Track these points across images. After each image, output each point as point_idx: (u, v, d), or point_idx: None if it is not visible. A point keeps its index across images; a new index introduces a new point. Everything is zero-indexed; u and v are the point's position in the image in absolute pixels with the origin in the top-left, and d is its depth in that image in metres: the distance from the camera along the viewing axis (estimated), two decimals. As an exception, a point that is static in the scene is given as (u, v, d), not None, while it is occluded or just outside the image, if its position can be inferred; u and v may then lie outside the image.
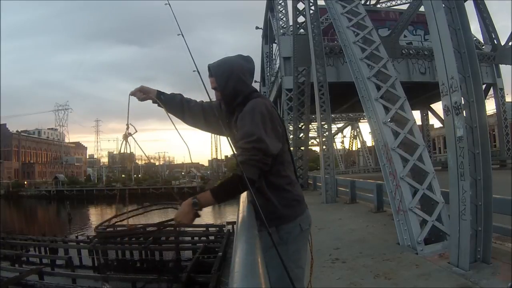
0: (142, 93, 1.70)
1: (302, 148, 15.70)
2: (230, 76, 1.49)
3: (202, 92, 1.62)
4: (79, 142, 77.79)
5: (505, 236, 4.27)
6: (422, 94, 21.80)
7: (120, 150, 1.77)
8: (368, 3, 22.11)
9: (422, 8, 12.09)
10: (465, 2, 9.50)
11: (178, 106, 1.70)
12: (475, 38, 18.39)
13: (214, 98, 1.62)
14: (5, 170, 52.28)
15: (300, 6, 14.15)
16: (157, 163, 76.15)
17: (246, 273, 0.72)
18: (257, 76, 30.20)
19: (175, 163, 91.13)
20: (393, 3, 23.03)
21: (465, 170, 3.50)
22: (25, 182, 50.92)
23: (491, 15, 20.91)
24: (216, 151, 66.06)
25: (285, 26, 19.27)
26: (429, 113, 28.34)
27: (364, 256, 4.34)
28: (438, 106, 27.25)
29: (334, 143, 27.54)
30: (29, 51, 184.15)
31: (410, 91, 12.67)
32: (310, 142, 18.08)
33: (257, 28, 26.04)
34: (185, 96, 1.77)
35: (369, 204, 8.46)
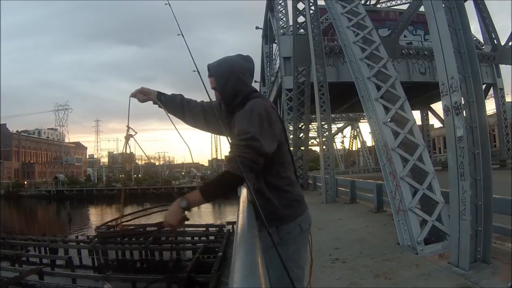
0: (143, 95, 1.70)
1: (302, 148, 15.69)
2: (230, 76, 1.49)
3: (202, 92, 1.62)
4: (79, 142, 77.88)
5: (505, 236, 4.27)
6: (422, 94, 21.80)
7: (123, 150, 1.77)
8: (368, 3, 22.12)
9: (422, 8, 12.09)
10: (465, 2, 9.50)
11: (178, 107, 1.70)
12: (475, 38, 18.39)
13: (214, 98, 1.62)
14: (5, 170, 52.29)
15: (300, 6, 14.15)
16: (157, 163, 76.16)
17: (246, 273, 0.72)
18: (257, 76, 30.21)
19: (175, 163, 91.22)
20: (393, 3, 23.04)
21: (465, 170, 3.50)
22: (25, 182, 50.93)
23: (491, 15, 20.93)
24: (216, 151, 66.10)
25: (285, 26, 19.27)
26: (429, 113, 28.35)
27: (364, 256, 4.33)
28: (438, 106, 27.30)
29: (334, 143, 27.58)
30: (29, 51, 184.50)
31: (410, 91, 12.67)
32: (310, 142, 18.08)
33: (257, 28, 26.05)
34: (185, 96, 1.77)
35: (369, 204, 8.46)
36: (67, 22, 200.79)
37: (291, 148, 13.09)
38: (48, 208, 35.90)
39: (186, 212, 1.34)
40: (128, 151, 1.82)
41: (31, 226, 22.25)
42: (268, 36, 25.63)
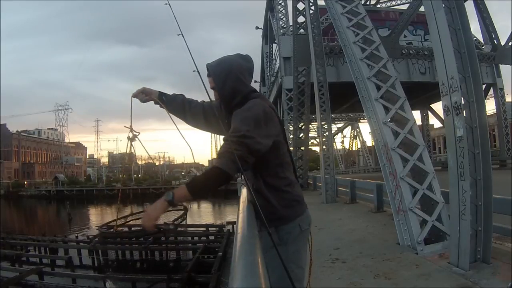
0: (144, 95, 1.70)
1: (302, 148, 15.69)
2: (228, 76, 1.48)
3: (202, 92, 1.63)
4: (79, 142, 77.87)
5: (505, 236, 4.27)
6: (422, 94, 21.79)
7: (126, 151, 1.77)
8: (368, 3, 22.11)
9: (422, 8, 12.09)
10: (465, 2, 9.50)
11: (179, 107, 1.70)
12: (475, 38, 18.40)
13: (214, 98, 1.62)
14: (5, 170, 52.29)
15: (300, 6, 14.15)
16: (157, 163, 76.20)
17: (246, 273, 0.72)
18: (257, 76, 30.21)
19: (175, 163, 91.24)
20: (393, 3, 23.03)
21: (465, 170, 3.50)
22: (25, 182, 50.93)
23: (491, 15, 20.91)
24: (216, 151, 66.00)
25: (285, 26, 19.27)
26: (429, 113, 28.33)
27: (364, 256, 4.33)
28: (438, 106, 27.29)
29: (334, 143, 27.57)
30: (29, 51, 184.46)
31: (410, 91, 12.69)
32: (310, 142, 18.07)
33: (257, 28, 26.06)
34: (185, 96, 1.77)
35: (369, 204, 8.46)
36: (67, 22, 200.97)
37: (291, 148, 13.08)
38: (48, 208, 35.91)
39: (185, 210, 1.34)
40: (133, 152, 1.82)
41: (31, 226, 22.26)
42: (268, 36, 25.63)
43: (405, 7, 19.45)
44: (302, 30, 14.20)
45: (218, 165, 1.29)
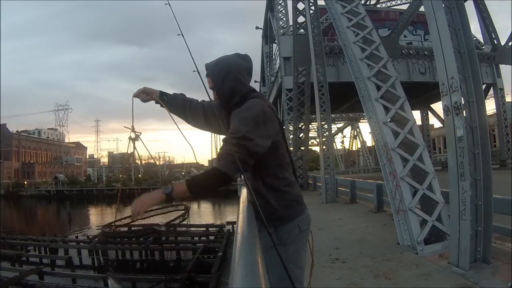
0: (145, 95, 1.70)
1: (302, 148, 15.70)
2: (227, 76, 1.48)
3: (202, 92, 1.63)
4: (79, 142, 77.86)
5: (505, 236, 4.27)
6: (422, 94, 21.79)
7: (127, 151, 1.77)
8: (368, 3, 22.12)
9: (422, 8, 12.09)
10: (465, 2, 9.51)
11: (180, 107, 1.70)
12: (475, 38, 18.40)
13: (213, 98, 1.63)
14: (5, 170, 52.29)
15: (300, 6, 14.16)
16: (157, 163, 76.18)
17: (246, 273, 0.72)
18: (257, 76, 30.23)
19: (175, 163, 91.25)
20: (393, 3, 23.04)
21: (465, 170, 3.50)
22: (25, 182, 50.93)
23: (491, 15, 20.92)
24: (216, 151, 66.03)
25: (285, 26, 19.28)
26: (429, 113, 28.34)
27: (364, 256, 4.34)
28: (438, 106, 27.30)
29: (334, 143, 27.56)
30: (29, 51, 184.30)
31: (410, 91, 12.67)
32: (310, 142, 18.08)
33: (257, 28, 26.08)
34: (186, 96, 1.77)
35: (369, 204, 8.46)
36: (67, 22, 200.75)
37: (291, 148, 13.06)
38: (48, 208, 35.90)
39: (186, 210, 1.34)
40: (135, 152, 1.82)
41: (31, 226, 22.25)
42: (268, 36, 25.64)
43: (405, 7, 19.47)
44: (302, 30, 14.20)
45: (218, 166, 1.29)
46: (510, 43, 19.87)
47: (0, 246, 11.67)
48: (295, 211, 1.52)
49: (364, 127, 46.64)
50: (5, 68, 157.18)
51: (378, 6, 22.95)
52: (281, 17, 19.64)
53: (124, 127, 1.73)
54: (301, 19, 14.35)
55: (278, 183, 1.48)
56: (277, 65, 21.66)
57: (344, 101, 23.42)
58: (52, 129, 69.61)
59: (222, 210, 24.78)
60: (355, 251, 4.57)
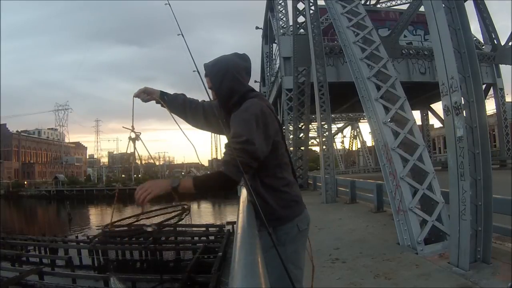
0: (146, 94, 1.70)
1: (302, 148, 15.70)
2: (225, 75, 1.48)
3: (202, 92, 1.63)
4: (79, 142, 77.83)
5: (505, 236, 4.27)
6: (422, 94, 21.79)
7: (133, 151, 1.77)
8: (368, 3, 22.11)
9: (422, 8, 12.09)
10: (465, 2, 9.50)
11: (180, 107, 1.71)
12: (475, 38, 18.40)
13: (212, 98, 1.63)
14: (5, 170, 52.28)
15: (300, 6, 14.16)
16: (157, 163, 76.18)
17: (246, 273, 0.72)
18: (257, 76, 30.22)
19: (175, 163, 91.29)
20: (393, 3, 23.03)
21: (465, 170, 3.50)
22: (25, 182, 50.93)
23: (491, 15, 20.91)
24: (216, 151, 66.15)
25: (285, 26, 19.27)
26: (429, 113, 28.34)
27: (364, 256, 4.33)
28: (438, 106, 27.30)
29: (334, 143, 27.56)
30: (29, 51, 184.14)
31: (410, 91, 12.68)
32: (310, 142, 18.08)
33: (257, 28, 26.06)
34: (186, 96, 1.77)
35: (369, 204, 8.46)
36: (67, 22, 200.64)
37: (291, 148, 13.07)
38: (48, 208, 35.91)
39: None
40: (135, 152, 1.82)
41: (31, 226, 22.25)
42: (268, 36, 25.63)
43: (405, 7, 19.46)
44: (302, 30, 14.20)
45: (225, 171, 1.31)
46: (510, 43, 19.87)
47: (0, 246, 11.67)
48: (294, 211, 1.51)
49: (364, 127, 46.70)
50: (5, 68, 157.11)
51: (378, 6, 22.94)
52: (281, 17, 19.63)
53: (123, 127, 1.73)
54: (301, 19, 14.35)
55: (277, 183, 1.48)
56: (277, 65, 21.67)
57: (344, 101, 23.42)
58: (52, 129, 69.61)
59: (222, 210, 24.79)
60: (355, 251, 4.57)
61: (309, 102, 14.50)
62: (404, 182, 4.85)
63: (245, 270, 0.74)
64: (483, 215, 3.55)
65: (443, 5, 3.78)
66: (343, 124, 45.95)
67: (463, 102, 3.63)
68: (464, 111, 3.63)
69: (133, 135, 1.74)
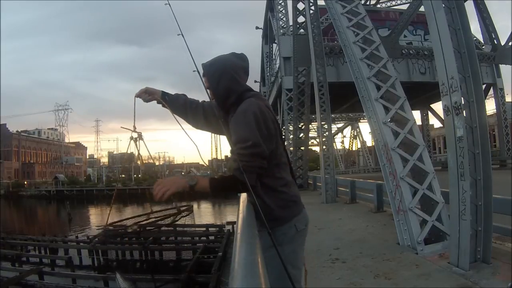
0: (147, 95, 1.71)
1: (302, 148, 15.69)
2: (222, 75, 1.48)
3: (202, 92, 1.63)
4: (79, 142, 77.88)
5: (505, 236, 4.27)
6: (422, 94, 21.80)
7: (138, 151, 1.78)
8: (368, 3, 22.12)
9: (422, 8, 12.09)
10: (465, 2, 9.51)
11: (181, 107, 1.71)
12: (475, 38, 18.40)
13: (210, 98, 1.63)
14: (5, 170, 52.29)
15: (300, 6, 14.16)
16: (157, 163, 76.14)
17: (246, 273, 0.72)
18: (257, 76, 30.22)
19: (175, 163, 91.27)
20: (393, 3, 23.03)
21: (465, 170, 3.50)
22: (25, 182, 50.93)
23: (491, 15, 20.91)
24: (216, 151, 66.19)
25: (285, 26, 19.27)
26: (429, 113, 28.34)
27: (364, 256, 4.33)
28: (438, 106, 27.30)
29: (334, 143, 27.57)
30: (29, 51, 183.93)
31: (410, 91, 12.69)
32: (310, 142, 18.08)
33: (257, 28, 26.07)
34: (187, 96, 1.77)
35: (369, 204, 8.46)
36: (67, 22, 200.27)
37: (291, 148, 13.04)
38: (48, 208, 35.91)
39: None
40: (139, 152, 1.83)
41: (31, 226, 22.25)
42: (268, 36, 25.63)
43: (405, 7, 19.46)
44: (302, 30, 14.20)
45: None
46: (510, 43, 19.87)
47: (0, 246, 11.67)
48: (292, 211, 1.51)
49: (364, 127, 46.71)
50: (5, 68, 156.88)
51: (378, 6, 22.95)
52: (281, 17, 19.63)
53: (121, 127, 1.73)
54: (301, 19, 14.34)
55: (275, 183, 1.47)
56: (277, 65, 21.66)
57: (344, 101, 23.43)
58: (52, 129, 69.65)
59: (222, 210, 24.79)
60: (355, 251, 4.57)
61: (309, 102, 14.50)
62: (404, 182, 4.85)
63: (245, 270, 0.74)
64: (483, 215, 3.55)
65: (443, 5, 3.78)
66: (343, 124, 45.96)
67: (463, 102, 3.63)
68: (464, 111, 3.63)
69: (135, 135, 1.74)
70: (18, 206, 37.39)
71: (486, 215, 3.55)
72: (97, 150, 74.63)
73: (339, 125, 45.53)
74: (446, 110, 3.74)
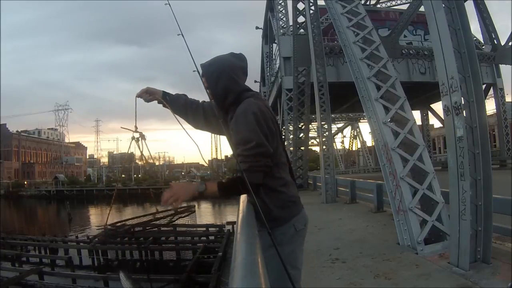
0: (148, 95, 1.71)
1: (302, 148, 15.70)
2: (221, 75, 1.48)
3: (202, 92, 1.63)
4: (79, 142, 77.89)
5: (505, 236, 4.27)
6: (422, 94, 21.80)
7: (141, 151, 1.77)
8: (368, 3, 22.12)
9: (422, 8, 12.09)
10: (465, 2, 9.51)
11: (182, 107, 1.71)
12: (475, 38, 18.39)
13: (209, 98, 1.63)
14: (5, 170, 52.29)
15: (300, 6, 14.16)
16: (157, 163, 76.15)
17: (246, 273, 0.72)
18: (257, 76, 30.22)
19: (175, 163, 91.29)
20: (393, 3, 23.05)
21: (465, 170, 3.50)
22: (25, 182, 50.92)
23: (491, 15, 20.92)
24: (216, 151, 66.20)
25: (285, 26, 19.28)
26: (429, 113, 28.35)
27: (364, 256, 4.33)
28: (438, 106, 27.31)
29: (334, 143, 27.56)
30: (29, 51, 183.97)
31: (410, 91, 12.68)
32: (310, 142, 18.08)
33: (257, 28, 26.09)
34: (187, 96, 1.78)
35: (369, 204, 8.46)
36: (67, 22, 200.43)
37: (291, 148, 13.04)
38: (48, 208, 35.89)
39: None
40: (142, 152, 1.82)
41: (31, 226, 22.24)
42: (268, 36, 25.63)
43: (405, 7, 19.47)
44: (302, 30, 14.20)
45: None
46: (510, 43, 19.87)
47: (0, 246, 11.66)
48: (291, 211, 1.51)
49: (364, 127, 46.72)
50: (5, 68, 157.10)
51: (378, 6, 22.95)
52: (281, 17, 19.64)
53: (121, 127, 1.73)
54: (301, 19, 14.35)
55: (274, 183, 1.47)
56: (277, 65, 21.66)
57: (344, 101, 23.43)
58: (52, 129, 69.65)
59: (222, 210, 24.78)
60: (355, 251, 4.57)
61: (309, 102, 14.51)
62: (404, 182, 4.85)
63: (245, 270, 0.74)
64: (483, 215, 3.55)
65: (443, 5, 3.78)
66: (343, 124, 45.97)
67: (463, 102, 3.63)
68: (464, 111, 3.63)
69: (136, 135, 1.74)
70: (18, 206, 37.38)
71: (486, 215, 3.55)
72: (97, 150, 74.73)
73: (339, 125, 45.55)
74: (446, 110, 3.74)
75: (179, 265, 9.96)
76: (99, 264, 10.74)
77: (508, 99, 23.42)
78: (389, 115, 5.40)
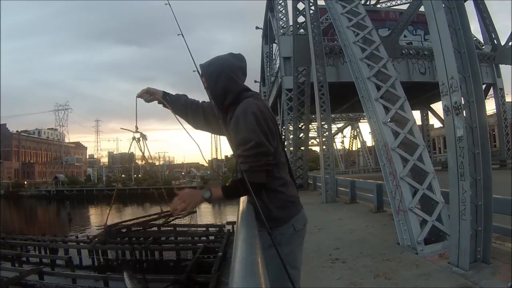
0: (149, 95, 1.71)
1: (302, 148, 15.69)
2: (220, 75, 1.49)
3: (202, 92, 1.63)
4: (79, 142, 77.93)
5: (505, 236, 4.27)
6: (422, 94, 21.79)
7: (143, 151, 1.78)
8: (368, 3, 22.11)
9: (422, 8, 12.09)
10: (465, 2, 9.51)
11: (182, 107, 1.71)
12: (475, 38, 18.39)
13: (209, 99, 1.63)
14: (5, 170, 52.29)
15: (300, 6, 14.16)
16: (157, 163, 76.12)
17: (246, 273, 0.72)
18: (257, 76, 30.19)
19: (175, 163, 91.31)
20: (393, 3, 23.03)
21: (465, 170, 3.50)
22: (25, 182, 50.95)
23: (491, 15, 20.90)
24: (216, 151, 66.16)
25: (285, 26, 19.26)
26: (429, 113, 28.34)
27: (364, 256, 4.33)
28: (438, 106, 27.30)
29: (334, 143, 27.55)
30: (29, 51, 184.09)
31: (410, 91, 12.68)
32: (310, 142, 18.07)
33: (257, 28, 26.07)
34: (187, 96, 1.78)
35: (369, 204, 8.46)
36: (67, 22, 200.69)
37: (291, 148, 13.03)
38: (48, 208, 35.90)
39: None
40: (144, 153, 1.82)
41: (31, 226, 22.24)
42: (268, 36, 25.62)
43: (405, 7, 19.45)
44: (302, 30, 14.20)
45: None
46: (510, 43, 19.85)
47: (0, 246, 11.66)
48: (291, 211, 1.51)
49: (364, 127, 46.70)
50: (5, 68, 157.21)
51: (378, 6, 22.94)
52: (281, 17, 19.62)
53: (121, 128, 1.74)
54: (301, 19, 14.34)
55: (273, 183, 1.47)
56: (277, 65, 21.65)
57: (344, 101, 23.42)
58: (52, 129, 69.67)
59: (222, 210, 24.77)
60: (355, 251, 4.57)
61: (309, 102, 14.50)
62: (404, 182, 4.85)
63: (245, 270, 0.74)
64: (483, 215, 3.55)
65: (443, 5, 3.78)
66: (343, 124, 45.95)
67: (463, 102, 3.63)
68: (464, 111, 3.63)
69: (137, 135, 1.75)
70: (18, 206, 37.39)
71: (486, 215, 3.55)
72: (97, 150, 74.73)
73: (339, 125, 45.53)
74: (446, 110, 3.74)
75: (179, 265, 9.96)
76: (99, 264, 10.75)
77: (508, 99, 23.45)
78: (389, 115, 5.40)
